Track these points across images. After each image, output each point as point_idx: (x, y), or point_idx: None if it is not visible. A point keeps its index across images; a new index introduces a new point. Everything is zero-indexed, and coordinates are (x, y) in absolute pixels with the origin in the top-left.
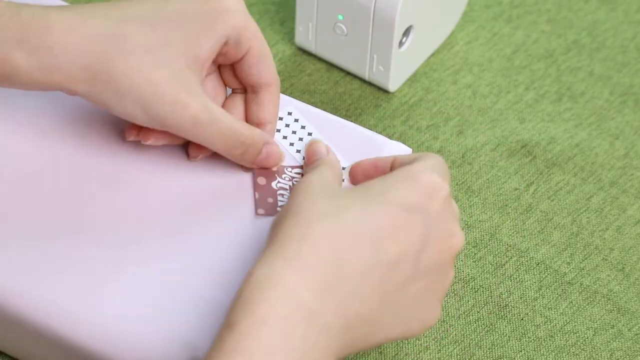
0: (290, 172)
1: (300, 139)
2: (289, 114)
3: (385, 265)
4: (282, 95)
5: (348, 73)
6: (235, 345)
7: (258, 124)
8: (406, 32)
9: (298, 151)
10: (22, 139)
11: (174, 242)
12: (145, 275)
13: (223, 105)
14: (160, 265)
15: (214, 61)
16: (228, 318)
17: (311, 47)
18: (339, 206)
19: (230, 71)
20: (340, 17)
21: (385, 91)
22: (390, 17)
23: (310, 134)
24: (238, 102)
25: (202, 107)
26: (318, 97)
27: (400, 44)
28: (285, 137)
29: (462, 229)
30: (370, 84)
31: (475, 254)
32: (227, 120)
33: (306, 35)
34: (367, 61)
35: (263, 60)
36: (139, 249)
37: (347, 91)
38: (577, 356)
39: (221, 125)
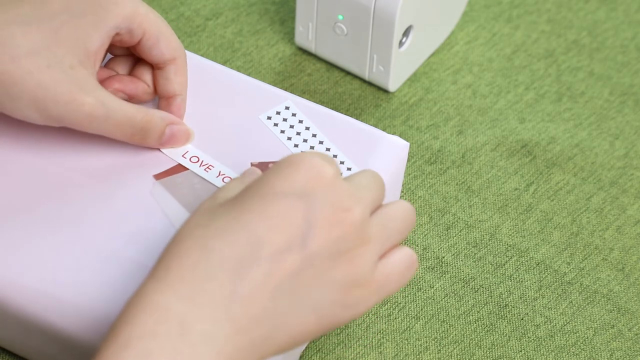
0: None
1: (298, 133)
2: (287, 108)
3: (269, 259)
4: (280, 91)
5: (348, 73)
6: None
7: (168, 98)
8: (406, 32)
9: (296, 145)
10: None
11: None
12: (89, 247)
13: (131, 73)
14: (99, 235)
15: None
16: (98, 349)
17: (311, 47)
18: (213, 215)
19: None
20: (340, 17)
21: (385, 91)
22: (390, 17)
23: (308, 128)
24: (145, 72)
25: (97, 103)
26: (318, 97)
27: (400, 44)
28: (282, 132)
29: (462, 229)
30: (370, 84)
31: (475, 254)
32: (122, 110)
33: (306, 35)
34: (367, 61)
35: (161, 40)
36: (81, 220)
37: (347, 91)
38: (577, 356)
39: (116, 117)
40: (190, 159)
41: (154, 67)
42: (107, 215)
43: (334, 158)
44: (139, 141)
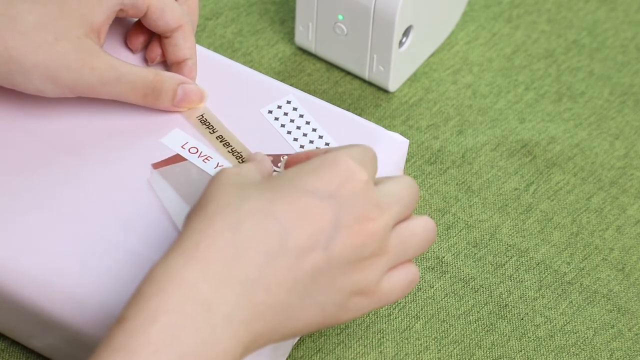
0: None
1: (298, 128)
2: (288, 102)
3: (293, 253)
4: (283, 84)
5: (348, 73)
6: (122, 342)
7: (178, 63)
8: (406, 32)
9: (295, 139)
10: None
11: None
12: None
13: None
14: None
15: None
16: (120, 313)
17: (311, 47)
18: (244, 197)
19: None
20: (340, 17)
21: (385, 91)
22: (390, 17)
23: (308, 122)
24: (156, 46)
25: (108, 66)
26: (318, 97)
27: (400, 44)
28: (283, 126)
29: (462, 229)
30: (370, 84)
31: (475, 254)
32: (133, 71)
33: (306, 35)
34: (367, 61)
35: (166, 11)
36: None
37: (347, 91)
38: (577, 356)
39: (128, 77)
40: (189, 150)
41: (162, 37)
42: (103, 202)
43: (374, 156)
44: (152, 102)
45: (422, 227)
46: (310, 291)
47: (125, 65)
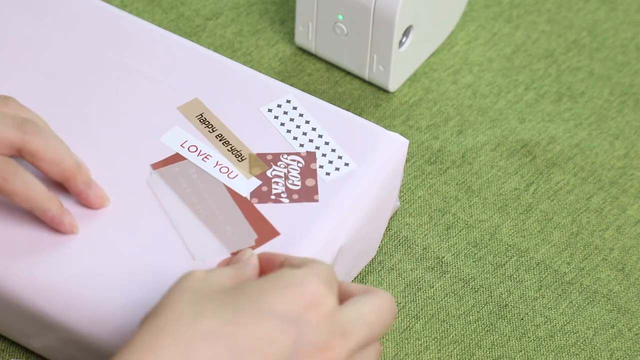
0: (286, 159)
1: (298, 127)
2: (288, 101)
3: None
4: (282, 84)
5: (348, 73)
6: None
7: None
8: (406, 32)
9: (295, 138)
10: None
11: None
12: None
13: None
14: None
15: None
16: None
17: (311, 47)
18: (200, 311)
19: None
20: (340, 17)
21: (385, 91)
22: (390, 17)
23: (308, 122)
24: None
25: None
26: (318, 97)
27: (400, 44)
28: (282, 124)
29: (462, 229)
30: (370, 84)
31: (475, 254)
32: (23, 193)
33: (306, 35)
34: (367, 61)
35: (42, 165)
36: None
37: (347, 91)
38: (577, 356)
39: (18, 198)
40: (188, 149)
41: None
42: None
43: (335, 274)
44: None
45: (376, 353)
46: None
47: (22, 181)
